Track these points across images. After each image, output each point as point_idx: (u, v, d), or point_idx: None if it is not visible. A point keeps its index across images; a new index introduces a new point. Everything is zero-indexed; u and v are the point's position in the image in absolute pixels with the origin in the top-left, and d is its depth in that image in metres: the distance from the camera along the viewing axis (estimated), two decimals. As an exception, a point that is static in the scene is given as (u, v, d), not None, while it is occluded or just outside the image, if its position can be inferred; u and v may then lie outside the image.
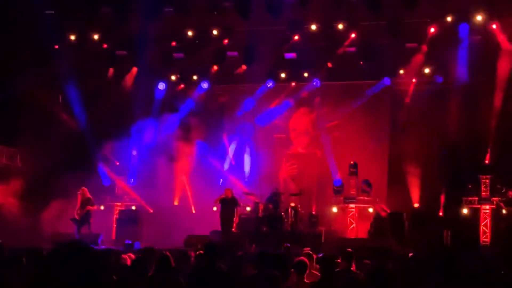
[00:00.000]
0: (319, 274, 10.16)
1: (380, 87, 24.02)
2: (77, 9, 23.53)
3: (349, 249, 11.53)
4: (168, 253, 9.48)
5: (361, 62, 23.74)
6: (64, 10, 23.61)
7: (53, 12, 23.62)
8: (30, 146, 23.53)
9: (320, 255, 10.72)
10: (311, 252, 12.57)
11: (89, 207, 22.30)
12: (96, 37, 24.29)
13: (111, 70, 25.29)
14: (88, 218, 22.32)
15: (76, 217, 22.13)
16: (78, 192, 22.50)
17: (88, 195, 22.57)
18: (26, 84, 23.31)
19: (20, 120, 23.89)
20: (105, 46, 24.61)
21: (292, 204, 22.61)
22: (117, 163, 25.15)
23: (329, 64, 24.11)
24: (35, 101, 23.67)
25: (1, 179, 23.40)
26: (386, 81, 23.96)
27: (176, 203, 25.11)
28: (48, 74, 23.41)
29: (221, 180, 24.13)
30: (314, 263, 11.33)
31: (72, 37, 24.33)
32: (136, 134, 25.15)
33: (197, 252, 11.58)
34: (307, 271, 10.01)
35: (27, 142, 23.57)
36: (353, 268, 11.07)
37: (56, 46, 24.38)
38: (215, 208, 22.95)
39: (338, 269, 10.54)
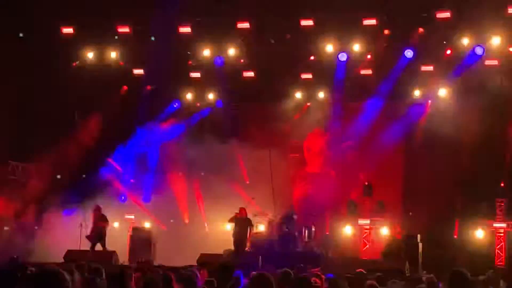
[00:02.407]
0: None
1: (396, 108, 23.99)
2: (95, 28, 23.70)
3: (361, 270, 11.47)
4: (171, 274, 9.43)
5: (379, 83, 23.76)
6: (83, 29, 23.81)
7: (71, 30, 23.82)
8: (46, 163, 23.70)
9: (329, 276, 10.66)
10: (320, 273, 12.49)
11: (101, 224, 22.41)
12: (113, 55, 24.49)
13: (125, 88, 25.42)
14: (101, 235, 22.39)
15: (90, 234, 22.24)
16: (92, 210, 22.63)
17: (102, 212, 22.71)
18: (43, 101, 23.56)
19: (36, 136, 24.03)
20: (121, 64, 24.79)
21: (306, 224, 22.58)
22: (132, 181, 25.21)
23: (346, 84, 24.09)
24: (51, 118, 23.89)
25: (16, 194, 23.56)
26: (403, 102, 23.90)
27: (187, 220, 25.11)
28: (65, 91, 23.66)
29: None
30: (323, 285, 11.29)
31: (90, 55, 24.54)
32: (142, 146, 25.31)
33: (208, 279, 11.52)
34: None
35: (43, 158, 23.74)
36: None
37: (74, 64, 24.58)
38: (228, 227, 22.94)
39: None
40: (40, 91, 23.93)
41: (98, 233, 22.44)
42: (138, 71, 25.10)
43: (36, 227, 24.07)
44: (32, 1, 22.99)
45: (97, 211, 22.76)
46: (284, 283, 9.21)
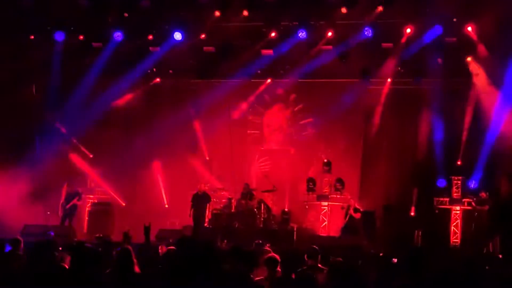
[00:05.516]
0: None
1: (355, 86, 24.01)
2: (54, 0, 23.30)
3: (315, 246, 11.53)
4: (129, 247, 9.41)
5: (340, 61, 23.70)
6: (41, 1, 23.38)
7: (30, 2, 23.37)
8: (3, 137, 23.42)
9: None
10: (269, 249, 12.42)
11: (76, 201, 22.33)
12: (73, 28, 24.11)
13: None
14: (74, 212, 22.36)
15: (62, 210, 22.11)
16: (64, 186, 22.48)
17: (76, 189, 22.57)
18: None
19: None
20: (81, 37, 24.39)
21: (264, 201, 22.67)
22: (91, 156, 24.98)
23: (308, 61, 23.95)
24: (8, 91, 23.54)
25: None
26: (362, 80, 23.89)
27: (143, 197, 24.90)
28: (23, 65, 23.29)
29: None
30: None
31: (49, 28, 24.10)
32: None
33: (169, 247, 11.51)
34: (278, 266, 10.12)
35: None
36: (320, 265, 11.08)
37: (32, 37, 24.14)
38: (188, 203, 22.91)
39: (304, 267, 10.63)
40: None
41: (73, 211, 22.40)
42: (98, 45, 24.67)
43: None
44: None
45: (70, 187, 22.63)
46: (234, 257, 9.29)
